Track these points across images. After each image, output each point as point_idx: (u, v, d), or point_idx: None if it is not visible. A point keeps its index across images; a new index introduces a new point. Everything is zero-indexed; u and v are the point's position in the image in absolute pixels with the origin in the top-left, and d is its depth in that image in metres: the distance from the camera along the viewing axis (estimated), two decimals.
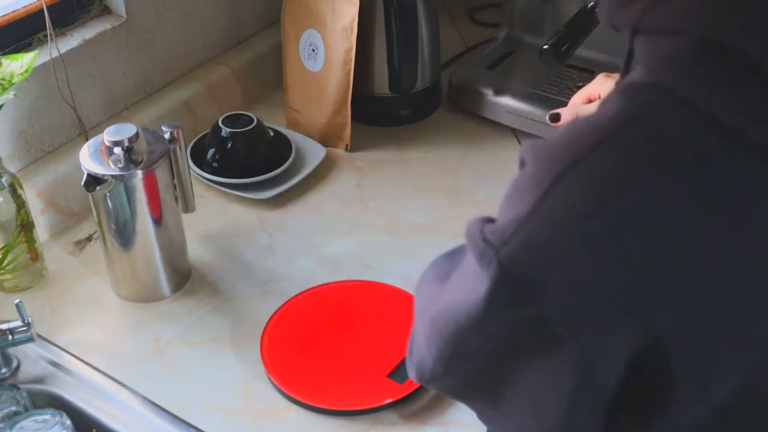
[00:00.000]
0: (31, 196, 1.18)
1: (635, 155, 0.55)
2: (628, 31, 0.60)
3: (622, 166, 0.55)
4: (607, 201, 0.55)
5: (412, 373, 0.73)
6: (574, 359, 0.58)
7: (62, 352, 1.06)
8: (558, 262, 0.56)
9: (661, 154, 0.55)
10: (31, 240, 1.14)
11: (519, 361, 0.61)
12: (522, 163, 0.60)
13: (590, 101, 1.00)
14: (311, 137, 1.41)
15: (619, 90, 0.59)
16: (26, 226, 1.13)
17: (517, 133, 1.42)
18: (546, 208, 0.56)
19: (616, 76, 0.98)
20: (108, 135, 1.05)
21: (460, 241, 0.64)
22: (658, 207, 0.54)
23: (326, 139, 1.42)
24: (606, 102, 0.59)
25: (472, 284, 0.60)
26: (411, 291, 1.12)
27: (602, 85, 0.99)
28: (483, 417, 0.70)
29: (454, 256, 0.74)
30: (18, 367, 1.03)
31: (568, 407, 0.61)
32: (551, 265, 0.56)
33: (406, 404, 1.00)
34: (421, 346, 0.69)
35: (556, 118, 1.02)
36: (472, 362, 0.65)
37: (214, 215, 1.29)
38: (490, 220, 0.60)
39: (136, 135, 1.06)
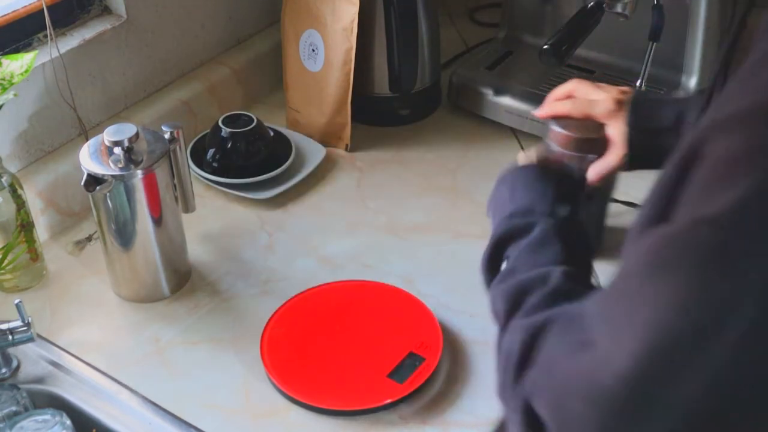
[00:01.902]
0: (31, 196, 1.18)
1: None
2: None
3: None
4: None
5: None
6: None
7: (62, 352, 1.06)
8: None
9: None
10: (31, 240, 1.14)
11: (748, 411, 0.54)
12: (700, 145, 0.52)
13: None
14: (311, 137, 1.41)
15: None
16: (26, 226, 1.13)
17: (516, 133, 1.42)
18: None
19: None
20: (108, 135, 1.05)
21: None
22: None
23: (326, 139, 1.42)
24: None
25: (677, 299, 0.51)
26: (411, 291, 1.12)
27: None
28: None
29: (568, 323, 0.62)
30: (18, 367, 1.03)
31: None
32: None
33: (406, 404, 1.00)
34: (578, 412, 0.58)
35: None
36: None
37: (214, 215, 1.29)
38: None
39: (136, 135, 1.06)
